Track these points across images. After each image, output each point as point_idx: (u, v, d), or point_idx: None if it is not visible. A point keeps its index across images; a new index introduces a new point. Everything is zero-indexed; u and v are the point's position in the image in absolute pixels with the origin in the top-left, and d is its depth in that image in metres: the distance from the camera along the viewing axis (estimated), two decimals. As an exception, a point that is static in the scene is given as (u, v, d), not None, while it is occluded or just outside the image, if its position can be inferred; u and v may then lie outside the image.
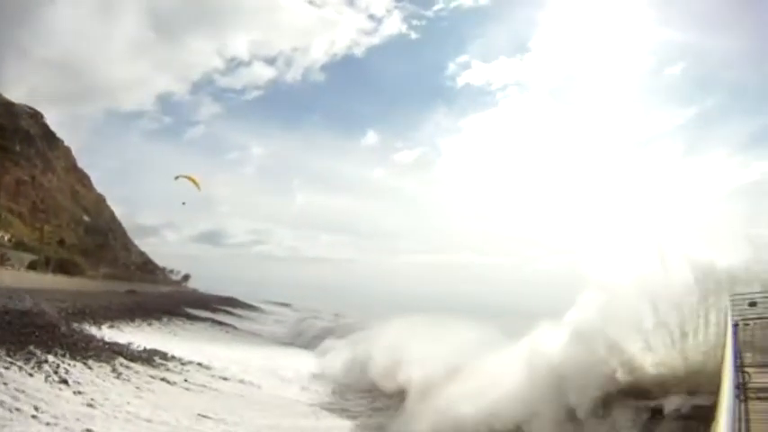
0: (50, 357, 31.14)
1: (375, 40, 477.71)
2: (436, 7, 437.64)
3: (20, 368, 27.89)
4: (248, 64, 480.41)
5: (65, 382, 27.92)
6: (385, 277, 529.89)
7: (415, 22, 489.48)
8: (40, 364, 29.50)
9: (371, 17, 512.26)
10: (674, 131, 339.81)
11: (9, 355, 29.17)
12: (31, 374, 27.64)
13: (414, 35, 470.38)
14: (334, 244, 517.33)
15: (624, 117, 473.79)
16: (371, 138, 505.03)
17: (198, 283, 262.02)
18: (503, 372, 29.30)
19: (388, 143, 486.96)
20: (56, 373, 28.94)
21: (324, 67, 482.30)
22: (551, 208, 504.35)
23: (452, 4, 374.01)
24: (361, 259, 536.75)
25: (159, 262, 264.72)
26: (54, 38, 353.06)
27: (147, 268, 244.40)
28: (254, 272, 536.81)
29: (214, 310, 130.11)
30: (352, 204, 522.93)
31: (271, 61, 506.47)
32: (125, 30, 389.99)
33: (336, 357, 54.12)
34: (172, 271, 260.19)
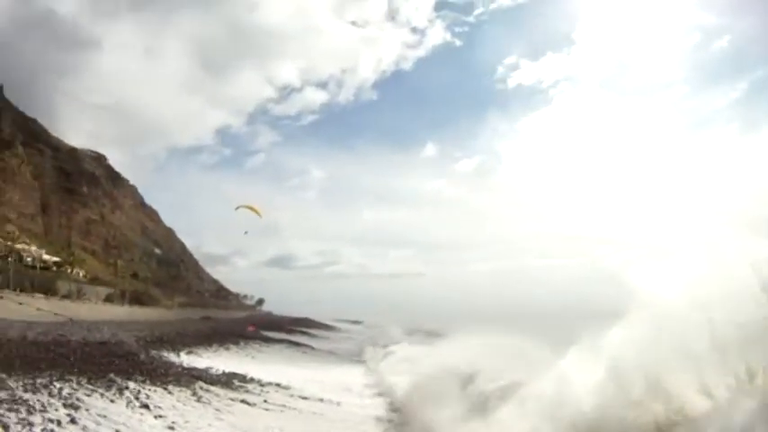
0: (131, 384, 29.87)
1: (421, 52, 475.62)
2: (477, 11, 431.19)
3: (101, 395, 26.95)
4: (300, 90, 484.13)
5: (146, 406, 25.99)
6: (453, 289, 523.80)
7: (457, 30, 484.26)
8: (121, 390, 28.17)
9: (414, 30, 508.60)
10: (728, 107, 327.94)
11: (90, 383, 28.70)
12: (112, 400, 26.26)
13: (458, 42, 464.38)
14: (401, 259, 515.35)
15: (676, 98, 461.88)
16: (430, 149, 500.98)
17: (272, 306, 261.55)
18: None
19: (447, 153, 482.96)
20: (137, 398, 27.29)
21: (375, 85, 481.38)
22: (614, 201, 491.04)
23: (492, 6, 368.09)
24: (429, 272, 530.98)
25: (232, 288, 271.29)
26: (106, 85, 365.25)
27: (221, 295, 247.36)
28: (325, 292, 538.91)
29: (289, 332, 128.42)
30: (416, 217, 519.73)
31: (322, 85, 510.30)
32: (175, 71, 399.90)
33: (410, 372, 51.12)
34: (246, 296, 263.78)
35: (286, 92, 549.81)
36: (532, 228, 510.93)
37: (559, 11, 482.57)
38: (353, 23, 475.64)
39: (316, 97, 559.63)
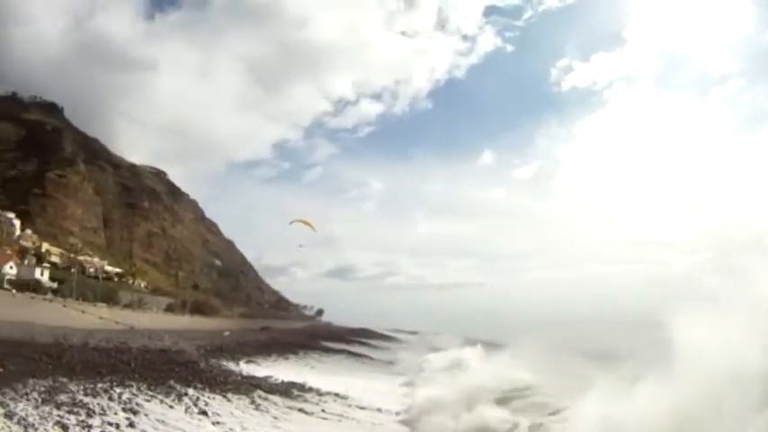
0: (190, 391, 31.54)
1: (473, 59, 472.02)
2: (526, 15, 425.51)
3: (160, 401, 28.38)
4: (355, 103, 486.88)
5: (204, 413, 27.41)
6: (514, 298, 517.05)
7: (508, 35, 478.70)
8: (180, 396, 29.75)
9: (465, 37, 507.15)
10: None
11: (150, 389, 30.13)
12: (171, 406, 27.70)
13: (509, 47, 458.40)
14: (461, 269, 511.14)
15: (732, 92, 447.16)
16: (487, 157, 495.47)
17: (331, 317, 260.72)
18: None
19: (505, 160, 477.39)
20: (195, 405, 28.74)
21: (429, 95, 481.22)
22: (674, 203, 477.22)
23: (541, 8, 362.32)
24: (489, 282, 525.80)
25: (292, 299, 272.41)
26: (164, 104, 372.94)
27: (281, 305, 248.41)
28: (384, 303, 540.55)
29: (348, 342, 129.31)
30: (475, 227, 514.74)
31: (377, 97, 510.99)
32: (229, 88, 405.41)
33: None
34: (305, 307, 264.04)
35: (341, 105, 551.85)
36: (594, 234, 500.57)
37: (608, 9, 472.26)
38: (404, 34, 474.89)
39: (371, 109, 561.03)
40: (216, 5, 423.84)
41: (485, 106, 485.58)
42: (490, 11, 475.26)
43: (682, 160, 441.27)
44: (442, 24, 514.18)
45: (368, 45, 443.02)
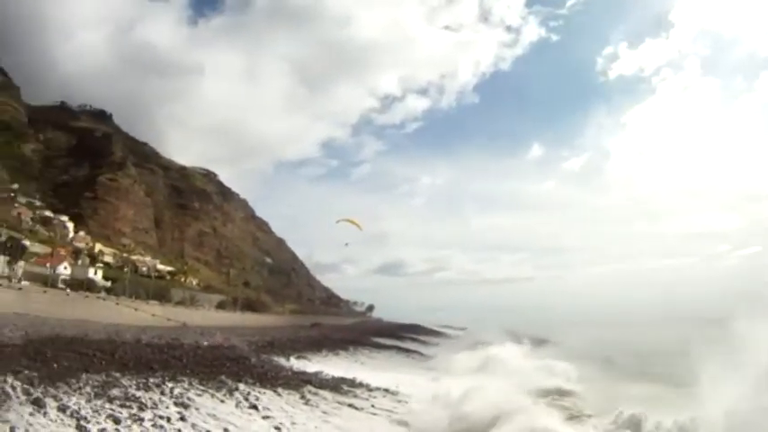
0: (241, 386, 31.65)
1: (518, 50, 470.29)
2: (569, 3, 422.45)
3: (212, 395, 28.68)
4: (402, 99, 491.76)
5: (255, 407, 27.47)
6: (565, 293, 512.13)
7: (552, 24, 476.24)
8: (231, 391, 29.90)
9: (509, 29, 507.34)
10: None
11: (201, 384, 30.42)
12: (222, 401, 27.93)
13: (554, 37, 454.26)
14: (512, 264, 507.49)
15: None
16: (536, 150, 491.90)
17: (382, 313, 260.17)
18: None
19: (554, 153, 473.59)
20: (246, 399, 28.88)
21: (475, 88, 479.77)
22: (728, 193, 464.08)
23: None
24: (541, 276, 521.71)
25: (343, 295, 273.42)
26: (211, 107, 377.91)
27: (332, 302, 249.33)
28: (434, 298, 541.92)
29: (399, 338, 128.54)
30: (526, 221, 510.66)
31: (423, 92, 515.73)
32: (275, 89, 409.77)
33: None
34: (356, 303, 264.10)
35: (388, 101, 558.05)
36: (644, 227, 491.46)
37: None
38: (447, 28, 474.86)
39: (417, 104, 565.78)
40: (257, 8, 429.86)
41: (531, 98, 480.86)
42: (533, 1, 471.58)
43: (732, 148, 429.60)
44: (485, 17, 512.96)
45: (412, 41, 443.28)
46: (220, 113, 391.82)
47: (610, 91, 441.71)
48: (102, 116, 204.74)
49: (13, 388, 22.32)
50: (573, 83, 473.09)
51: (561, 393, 34.16)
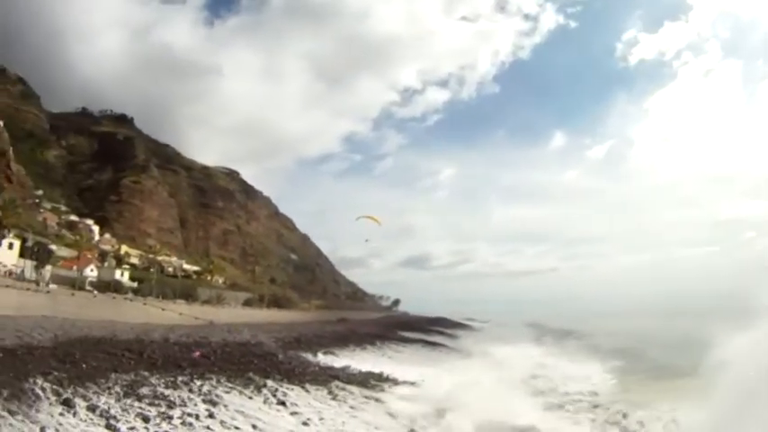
0: (269, 382, 32.42)
1: (536, 38, 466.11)
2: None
3: (239, 392, 29.27)
4: (422, 91, 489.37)
5: (282, 403, 28.18)
6: (590, 284, 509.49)
7: (570, 10, 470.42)
8: (259, 388, 30.51)
9: (527, 17, 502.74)
10: None
11: (230, 381, 31.18)
12: (250, 397, 28.49)
13: (573, 23, 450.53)
14: (537, 255, 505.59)
15: None
16: (559, 139, 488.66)
17: (408, 306, 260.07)
18: None
19: (577, 141, 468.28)
20: (274, 395, 29.54)
21: (495, 78, 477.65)
22: (755, 178, 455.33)
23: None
24: (565, 267, 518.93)
25: (368, 289, 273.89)
26: (232, 106, 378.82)
27: (357, 296, 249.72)
28: (460, 291, 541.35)
29: (425, 331, 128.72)
30: (550, 211, 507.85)
31: (443, 84, 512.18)
32: (295, 86, 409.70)
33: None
34: (381, 297, 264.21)
35: (408, 94, 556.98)
36: (670, 215, 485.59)
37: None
38: (465, 19, 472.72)
39: (438, 97, 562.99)
40: (273, 6, 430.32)
41: (552, 86, 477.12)
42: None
43: (756, 132, 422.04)
44: (501, 6, 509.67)
45: (430, 33, 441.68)
46: (241, 112, 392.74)
47: (631, 77, 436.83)
48: (123, 120, 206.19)
49: (43, 389, 22.80)
50: (593, 69, 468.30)
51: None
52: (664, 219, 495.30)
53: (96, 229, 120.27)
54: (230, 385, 30.65)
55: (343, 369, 42.62)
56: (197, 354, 36.02)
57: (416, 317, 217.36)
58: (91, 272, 77.52)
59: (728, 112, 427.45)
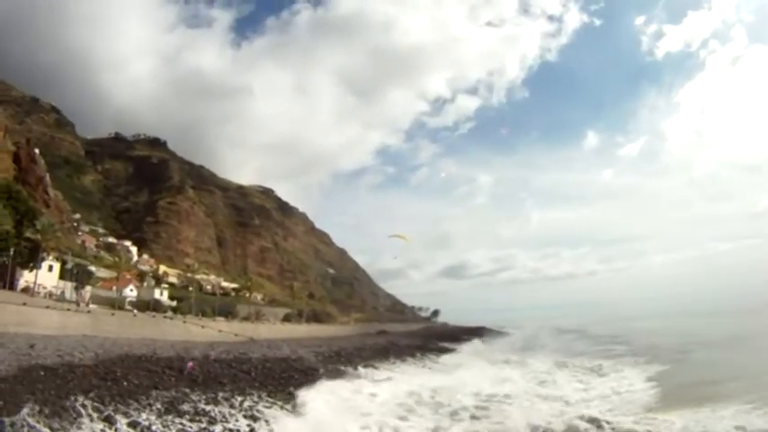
0: None
1: (562, 39, 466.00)
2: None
3: (281, 407, 29.51)
4: (452, 100, 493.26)
5: None
6: (629, 286, 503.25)
7: (593, 8, 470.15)
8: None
9: (551, 18, 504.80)
10: None
11: (270, 396, 31.79)
12: (291, 412, 28.73)
13: (597, 21, 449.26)
14: (575, 258, 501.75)
15: None
16: (592, 139, 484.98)
17: (447, 317, 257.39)
18: None
19: (609, 140, 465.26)
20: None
21: (524, 82, 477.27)
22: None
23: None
24: (603, 269, 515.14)
25: (408, 301, 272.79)
26: (264, 125, 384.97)
27: (396, 308, 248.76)
28: (500, 298, 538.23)
29: (463, 341, 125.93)
30: (587, 213, 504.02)
31: (472, 91, 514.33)
32: (326, 102, 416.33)
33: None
34: (420, 308, 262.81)
35: (439, 104, 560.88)
36: (711, 209, 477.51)
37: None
38: (489, 24, 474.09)
39: (468, 104, 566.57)
40: (299, 26, 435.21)
41: (581, 86, 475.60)
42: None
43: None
44: (525, 9, 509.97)
45: (456, 41, 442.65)
46: (274, 130, 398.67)
47: (659, 70, 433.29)
48: (156, 143, 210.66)
49: (84, 406, 22.96)
50: (620, 66, 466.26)
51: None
52: (701, 214, 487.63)
53: (134, 249, 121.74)
54: (271, 400, 30.90)
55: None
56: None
57: (456, 327, 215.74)
58: (130, 291, 78.18)
59: (759, 98, 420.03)
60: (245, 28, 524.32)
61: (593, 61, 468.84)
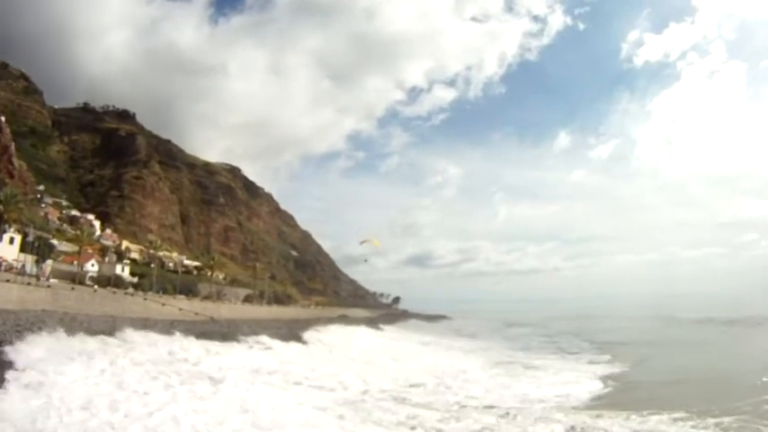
0: None
1: (544, 40, 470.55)
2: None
3: None
4: (428, 90, 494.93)
5: None
6: (592, 284, 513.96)
7: (578, 11, 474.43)
8: None
9: (535, 18, 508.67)
10: None
11: None
12: None
13: (581, 25, 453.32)
14: (541, 254, 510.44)
15: None
16: (563, 139, 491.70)
17: (409, 304, 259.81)
18: None
19: (581, 141, 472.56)
20: None
21: (502, 79, 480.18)
22: (759, 180, 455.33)
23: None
24: (568, 266, 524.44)
25: (370, 287, 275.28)
26: (236, 104, 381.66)
27: (358, 294, 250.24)
28: (464, 289, 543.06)
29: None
30: (554, 210, 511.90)
31: (450, 83, 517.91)
32: (301, 84, 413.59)
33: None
34: (382, 295, 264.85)
35: (415, 93, 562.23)
36: (675, 216, 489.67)
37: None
38: (474, 19, 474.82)
39: (445, 95, 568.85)
40: (278, 5, 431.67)
41: (557, 87, 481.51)
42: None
43: (760, 134, 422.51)
44: (510, 6, 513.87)
45: (438, 32, 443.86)
46: (245, 110, 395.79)
47: (635, 77, 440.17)
48: (125, 116, 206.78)
49: None
50: (599, 70, 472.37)
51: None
52: (667, 219, 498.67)
53: (98, 224, 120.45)
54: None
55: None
56: None
57: (415, 314, 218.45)
58: (92, 267, 77.69)
59: (732, 113, 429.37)
60: (224, 4, 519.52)
61: (572, 63, 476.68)
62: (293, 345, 58.72)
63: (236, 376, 32.22)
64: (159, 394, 24.88)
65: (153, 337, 41.03)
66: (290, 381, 35.11)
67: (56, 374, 24.47)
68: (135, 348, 35.61)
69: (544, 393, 34.75)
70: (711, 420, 23.66)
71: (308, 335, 67.78)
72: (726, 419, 23.24)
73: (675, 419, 24.28)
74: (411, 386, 36.67)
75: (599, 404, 30.27)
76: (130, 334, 39.45)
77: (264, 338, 55.56)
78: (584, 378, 41.74)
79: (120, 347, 34.91)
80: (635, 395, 32.63)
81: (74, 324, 36.58)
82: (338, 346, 66.20)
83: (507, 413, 27.31)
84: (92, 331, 36.41)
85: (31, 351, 26.90)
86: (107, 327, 39.47)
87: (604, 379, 40.36)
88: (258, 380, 33.41)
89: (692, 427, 23.32)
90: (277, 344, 55.28)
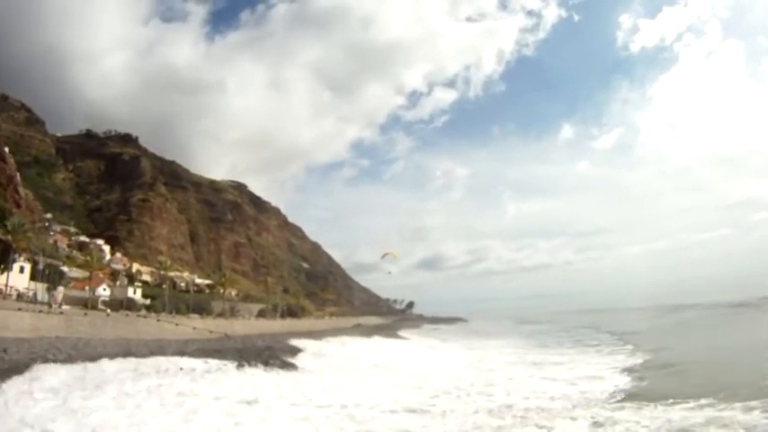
0: None
1: (540, 34, 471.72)
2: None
3: None
4: (429, 93, 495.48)
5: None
6: (603, 276, 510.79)
7: (571, 3, 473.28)
8: None
9: (530, 13, 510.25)
10: None
11: None
12: None
13: (576, 16, 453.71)
14: (551, 249, 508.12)
15: None
16: (567, 132, 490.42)
17: (423, 308, 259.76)
18: None
19: (584, 132, 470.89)
20: None
21: (502, 76, 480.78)
22: (764, 157, 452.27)
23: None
24: (578, 260, 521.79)
25: (383, 294, 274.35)
26: (237, 120, 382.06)
27: (371, 302, 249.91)
28: (477, 289, 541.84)
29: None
30: (562, 204, 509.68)
31: (450, 84, 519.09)
32: (301, 96, 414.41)
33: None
34: (395, 301, 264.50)
35: (415, 97, 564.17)
36: (684, 200, 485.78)
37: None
38: (469, 19, 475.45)
39: (445, 97, 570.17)
40: (275, 19, 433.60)
41: (557, 80, 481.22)
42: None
43: (761, 111, 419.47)
44: (504, 4, 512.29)
45: (435, 35, 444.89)
46: (247, 125, 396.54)
47: (633, 64, 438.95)
48: (128, 139, 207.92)
49: None
50: (597, 60, 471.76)
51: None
52: (674, 205, 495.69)
53: (107, 248, 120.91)
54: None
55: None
56: None
57: (431, 318, 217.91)
58: (104, 291, 77.76)
59: (732, 92, 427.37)
60: (219, 21, 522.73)
61: (570, 56, 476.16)
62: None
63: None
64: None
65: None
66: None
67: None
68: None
69: (565, 390, 33.95)
70: (738, 404, 22.99)
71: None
72: (752, 403, 22.60)
73: (702, 406, 23.58)
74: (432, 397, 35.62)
75: (625, 396, 29.54)
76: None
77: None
78: (606, 371, 40.85)
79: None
80: (660, 384, 31.81)
81: (87, 349, 36.50)
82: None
83: (527, 409, 26.59)
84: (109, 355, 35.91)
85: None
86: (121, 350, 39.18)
87: (628, 370, 39.48)
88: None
89: (719, 411, 22.68)
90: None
